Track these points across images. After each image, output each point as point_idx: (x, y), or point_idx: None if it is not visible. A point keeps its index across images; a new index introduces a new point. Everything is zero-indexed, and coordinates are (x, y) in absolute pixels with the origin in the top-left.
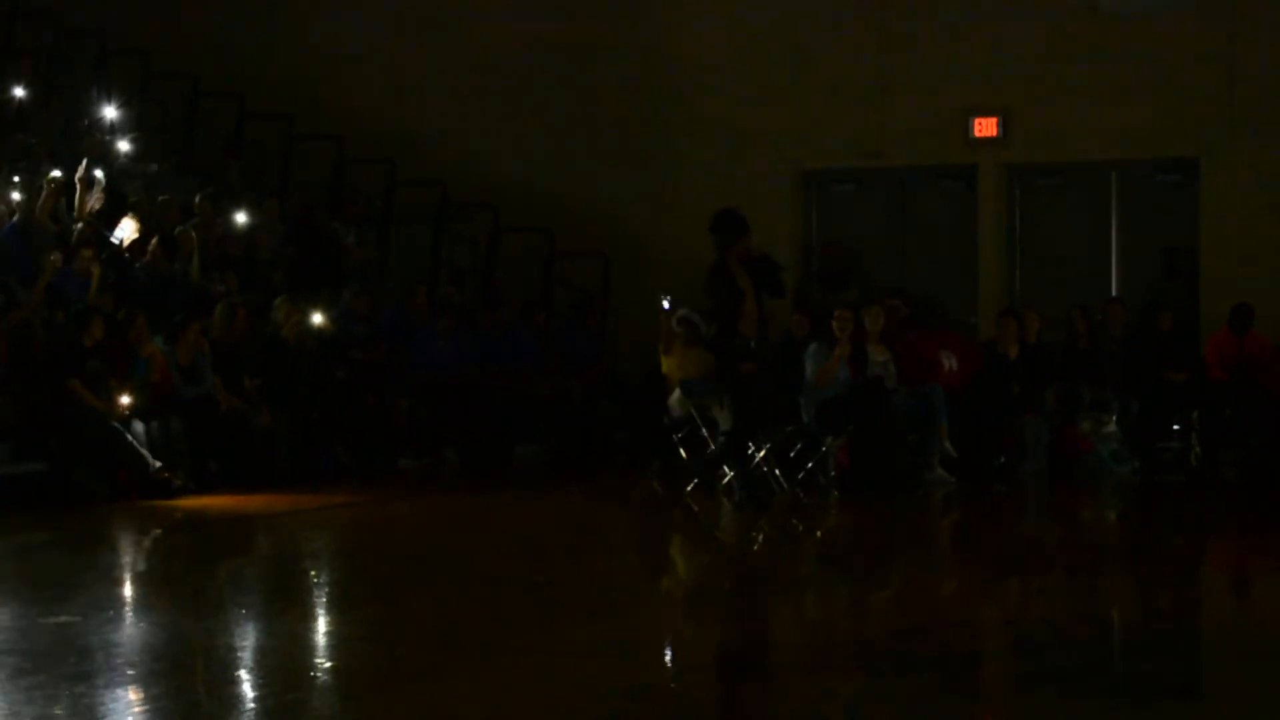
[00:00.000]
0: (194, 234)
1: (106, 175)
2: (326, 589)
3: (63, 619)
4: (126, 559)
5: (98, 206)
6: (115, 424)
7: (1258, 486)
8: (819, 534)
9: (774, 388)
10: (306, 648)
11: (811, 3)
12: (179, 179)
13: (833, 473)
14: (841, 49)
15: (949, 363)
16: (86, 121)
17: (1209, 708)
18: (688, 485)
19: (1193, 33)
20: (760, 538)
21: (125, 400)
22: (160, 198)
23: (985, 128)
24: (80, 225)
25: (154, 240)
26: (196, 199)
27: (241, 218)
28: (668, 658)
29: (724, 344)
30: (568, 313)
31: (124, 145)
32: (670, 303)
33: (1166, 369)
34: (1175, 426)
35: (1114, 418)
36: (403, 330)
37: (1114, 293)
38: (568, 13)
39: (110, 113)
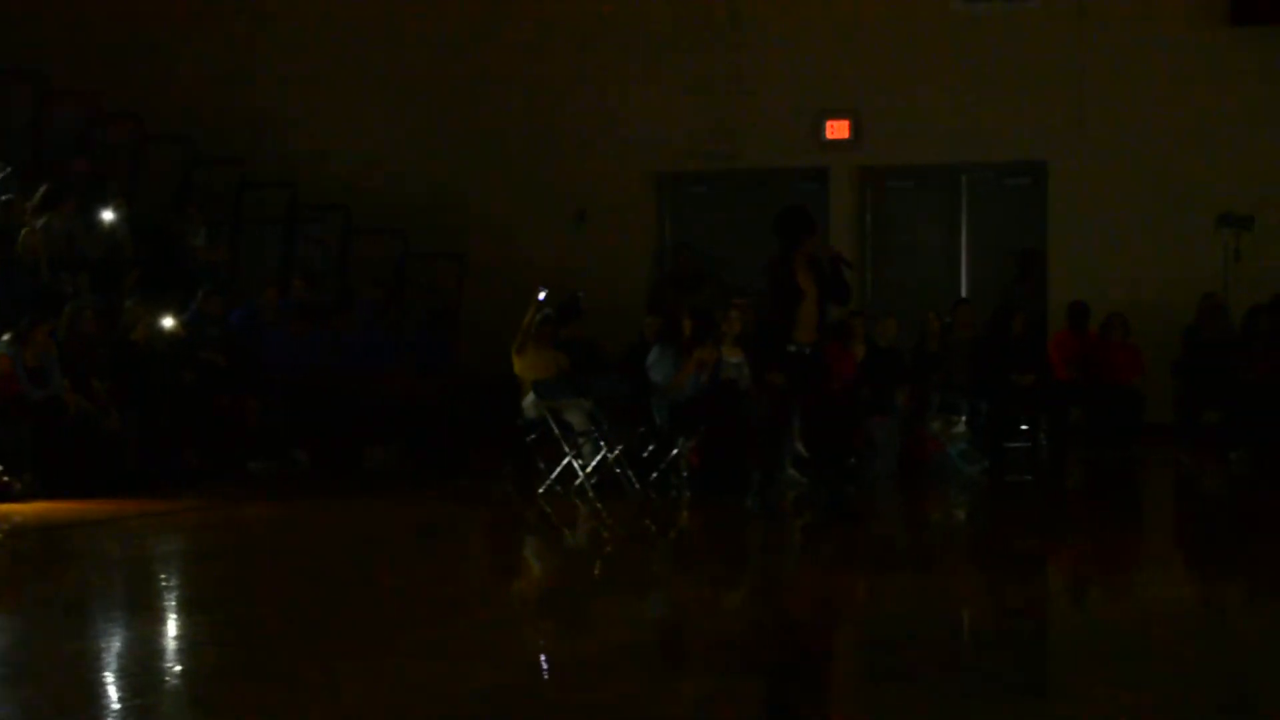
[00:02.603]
0: (39, 234)
1: None
2: (175, 593)
3: None
4: None
5: None
6: None
7: (1104, 485)
8: (670, 535)
9: (823, 397)
10: (156, 652)
11: (665, 4)
12: (26, 180)
13: (685, 473)
14: (694, 50)
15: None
16: None
17: (1054, 706)
18: (541, 487)
19: (1041, 37)
20: (612, 538)
21: None
22: (3, 197)
23: (837, 130)
24: None
25: None
26: (39, 196)
27: (108, 215)
28: (520, 659)
29: (770, 348)
30: (421, 314)
31: None
32: (546, 295)
33: (1014, 371)
34: (1024, 427)
35: (963, 419)
36: (253, 331)
37: (964, 294)
38: (423, 11)
39: None
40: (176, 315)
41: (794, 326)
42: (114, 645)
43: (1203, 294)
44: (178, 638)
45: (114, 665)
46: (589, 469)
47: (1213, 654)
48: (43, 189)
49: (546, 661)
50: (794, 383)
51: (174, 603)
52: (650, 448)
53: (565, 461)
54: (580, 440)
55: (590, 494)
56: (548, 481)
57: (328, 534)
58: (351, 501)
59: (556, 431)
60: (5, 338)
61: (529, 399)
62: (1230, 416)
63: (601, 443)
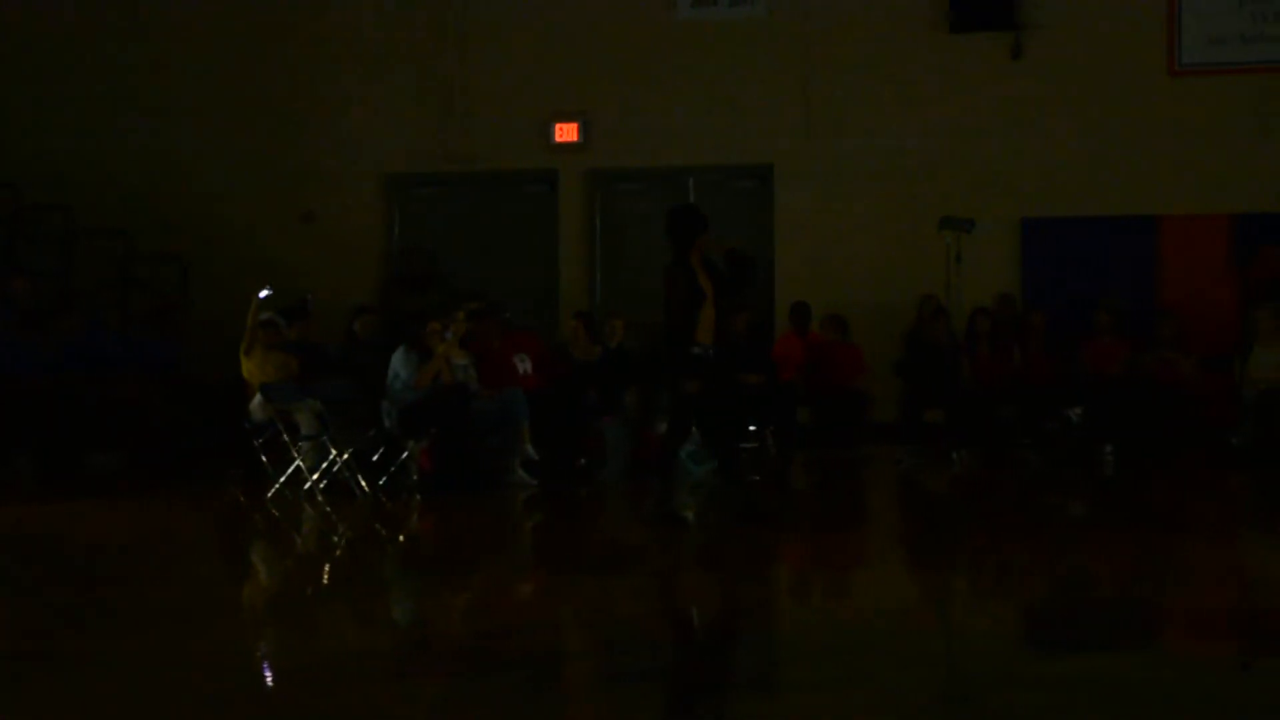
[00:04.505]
0: None
1: None
2: None
3: None
4: None
5: None
6: None
7: (829, 485)
8: (401, 538)
9: (730, 394)
10: None
11: (394, 5)
12: None
13: (415, 476)
14: (424, 52)
15: (523, 366)
16: None
17: (781, 702)
18: (270, 491)
19: (768, 42)
20: (342, 542)
21: None
22: None
23: (566, 133)
24: None
25: None
26: None
27: None
28: (248, 666)
29: (677, 354)
30: (145, 316)
31: None
32: (268, 293)
33: (741, 371)
34: (752, 427)
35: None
36: None
37: None
38: (148, 10)
39: None
40: None
41: (695, 329)
42: None
43: (922, 296)
44: None
45: None
46: (317, 472)
47: (933, 648)
48: None
49: (276, 667)
50: (699, 384)
51: None
52: (380, 450)
53: (294, 465)
54: (305, 444)
55: (319, 497)
56: (276, 485)
57: (51, 540)
58: (75, 507)
59: (285, 435)
60: None
61: (256, 401)
62: (952, 417)
63: (330, 445)
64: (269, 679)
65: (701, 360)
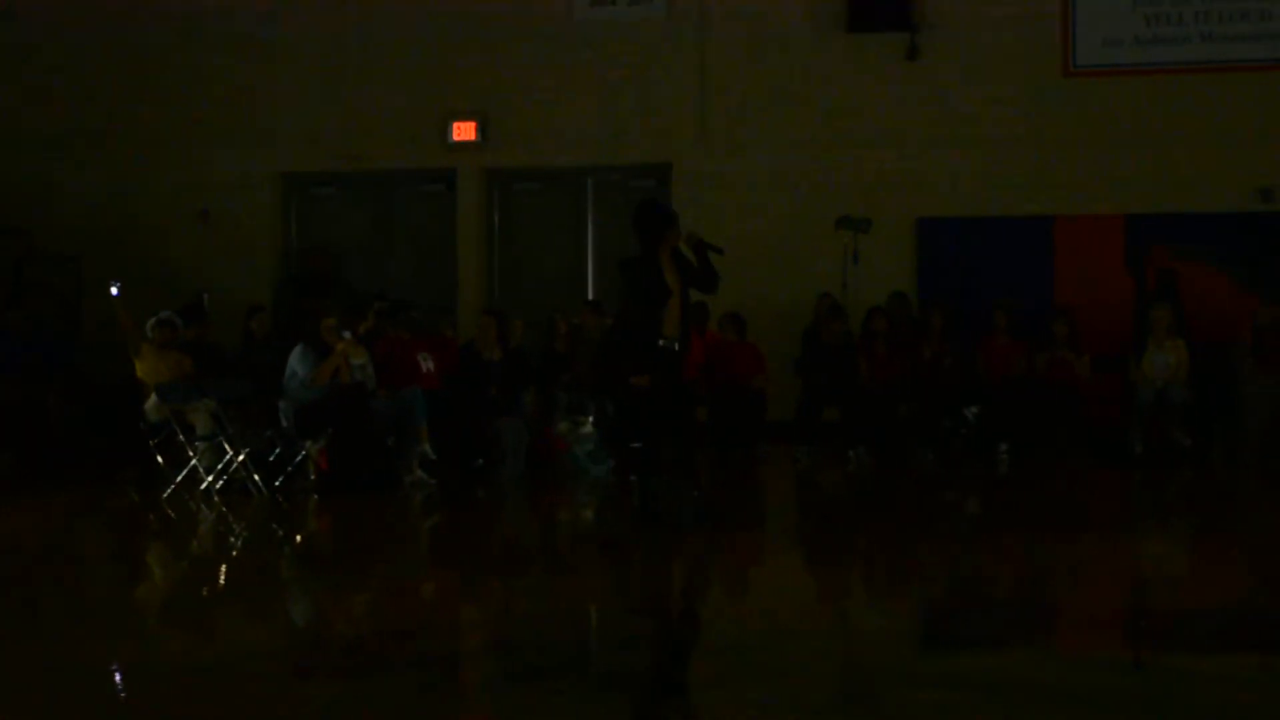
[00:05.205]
0: None
1: None
2: None
3: None
4: None
5: None
6: None
7: (727, 484)
8: (299, 538)
9: (684, 389)
10: None
11: (291, 3)
12: None
13: (312, 476)
14: (321, 50)
15: (426, 365)
16: None
17: (682, 702)
18: (165, 492)
19: (665, 42)
20: (239, 543)
21: None
22: None
23: (464, 131)
24: None
25: None
26: None
27: None
28: (143, 667)
29: (640, 348)
30: (41, 316)
31: None
32: (119, 289)
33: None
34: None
35: (590, 419)
36: None
37: (590, 296)
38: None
39: None
40: None
41: (661, 324)
42: None
43: (819, 295)
44: None
45: None
46: (214, 472)
47: (832, 646)
48: None
49: (170, 668)
50: (662, 377)
51: None
52: (277, 450)
53: (190, 465)
54: (202, 444)
55: (216, 498)
56: (172, 486)
57: None
58: None
59: (180, 435)
60: None
61: (152, 401)
62: (849, 416)
63: (226, 446)
64: (162, 681)
65: (666, 352)
